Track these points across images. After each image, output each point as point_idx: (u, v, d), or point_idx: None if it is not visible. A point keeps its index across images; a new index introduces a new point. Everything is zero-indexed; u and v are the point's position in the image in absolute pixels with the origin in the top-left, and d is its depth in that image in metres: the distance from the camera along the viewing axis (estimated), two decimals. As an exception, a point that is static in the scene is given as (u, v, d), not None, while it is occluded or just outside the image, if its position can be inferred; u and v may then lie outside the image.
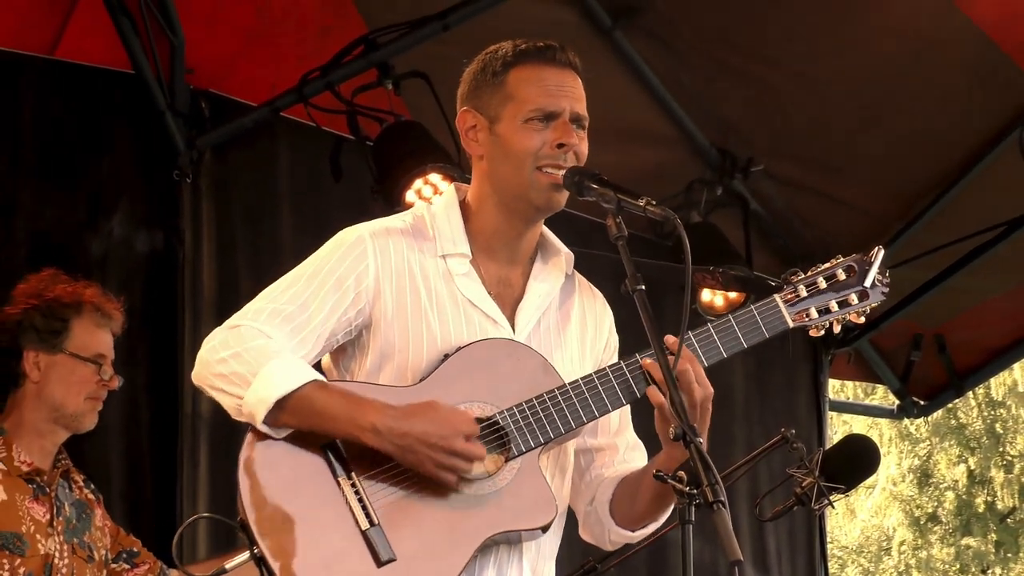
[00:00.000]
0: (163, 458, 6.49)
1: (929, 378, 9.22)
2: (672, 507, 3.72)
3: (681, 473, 3.31)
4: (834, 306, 3.84)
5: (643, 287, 3.47)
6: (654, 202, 3.53)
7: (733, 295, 7.83)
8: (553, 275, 3.79)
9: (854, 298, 3.85)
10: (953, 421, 24.28)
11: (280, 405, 3.47)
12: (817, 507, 5.02)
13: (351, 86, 6.73)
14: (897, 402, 9.50)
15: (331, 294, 3.59)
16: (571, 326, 3.81)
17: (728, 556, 3.12)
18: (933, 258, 8.15)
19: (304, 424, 3.50)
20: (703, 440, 3.42)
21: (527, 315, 3.73)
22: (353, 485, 3.51)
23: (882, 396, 19.44)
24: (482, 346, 3.63)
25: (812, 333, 3.85)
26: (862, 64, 7.36)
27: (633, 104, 7.71)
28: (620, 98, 7.60)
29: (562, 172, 3.63)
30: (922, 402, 9.42)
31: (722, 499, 3.20)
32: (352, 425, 3.47)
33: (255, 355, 3.49)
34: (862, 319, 3.89)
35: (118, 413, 6.43)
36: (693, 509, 3.26)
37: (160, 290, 6.61)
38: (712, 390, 3.60)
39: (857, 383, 19.07)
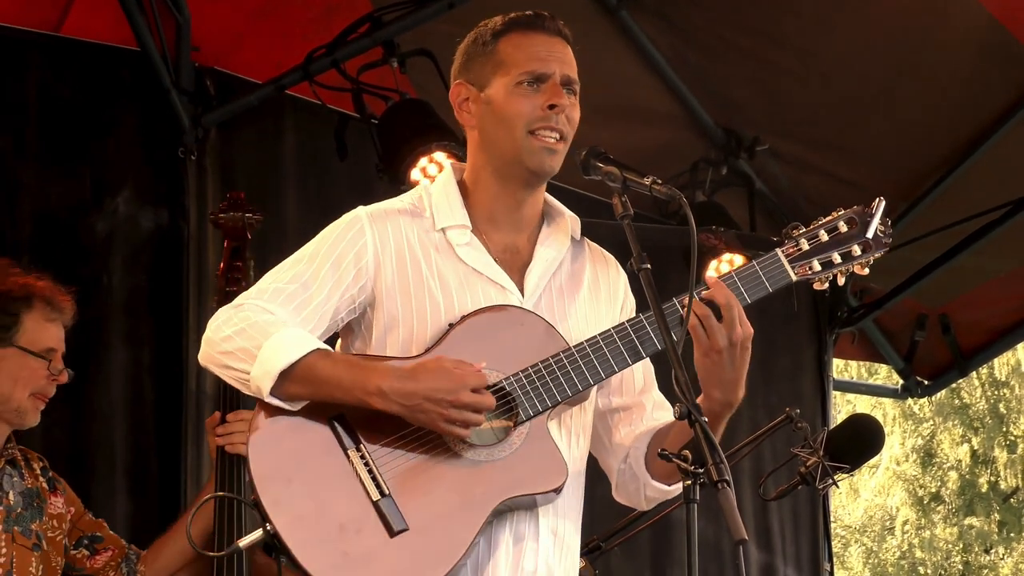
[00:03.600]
0: (168, 436, 6.50)
1: (933, 358, 9.23)
2: None
3: (686, 452, 3.32)
4: (837, 258, 3.80)
5: (649, 266, 3.49)
6: (660, 181, 3.55)
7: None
8: (559, 239, 3.81)
9: (857, 250, 3.81)
10: (957, 401, 24.27)
11: (285, 375, 3.48)
12: (821, 486, 5.04)
13: (356, 64, 6.72)
14: (901, 382, 9.50)
15: (331, 272, 3.61)
16: (583, 289, 3.83)
17: (733, 535, 3.14)
18: (938, 238, 8.16)
19: (311, 393, 3.52)
20: (741, 388, 3.58)
21: (535, 279, 3.75)
22: (362, 456, 3.51)
23: (886, 376, 19.44)
24: (486, 313, 3.64)
25: (816, 286, 3.83)
26: (867, 44, 7.35)
27: (638, 83, 7.71)
28: (625, 77, 7.60)
29: (555, 135, 3.66)
30: (926, 382, 9.44)
31: (727, 478, 3.21)
32: (359, 390, 3.48)
33: (259, 330, 3.52)
34: (866, 270, 3.86)
35: (123, 391, 6.45)
36: (698, 488, 3.27)
37: (165, 268, 6.62)
38: (752, 330, 3.59)
39: (860, 362, 19.08)
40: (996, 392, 24.29)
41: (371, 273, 3.64)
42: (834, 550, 9.14)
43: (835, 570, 8.87)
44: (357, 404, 3.50)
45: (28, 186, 6.38)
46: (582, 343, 3.65)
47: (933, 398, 21.54)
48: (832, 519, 9.76)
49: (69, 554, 4.84)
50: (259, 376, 3.49)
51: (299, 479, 3.50)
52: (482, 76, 3.72)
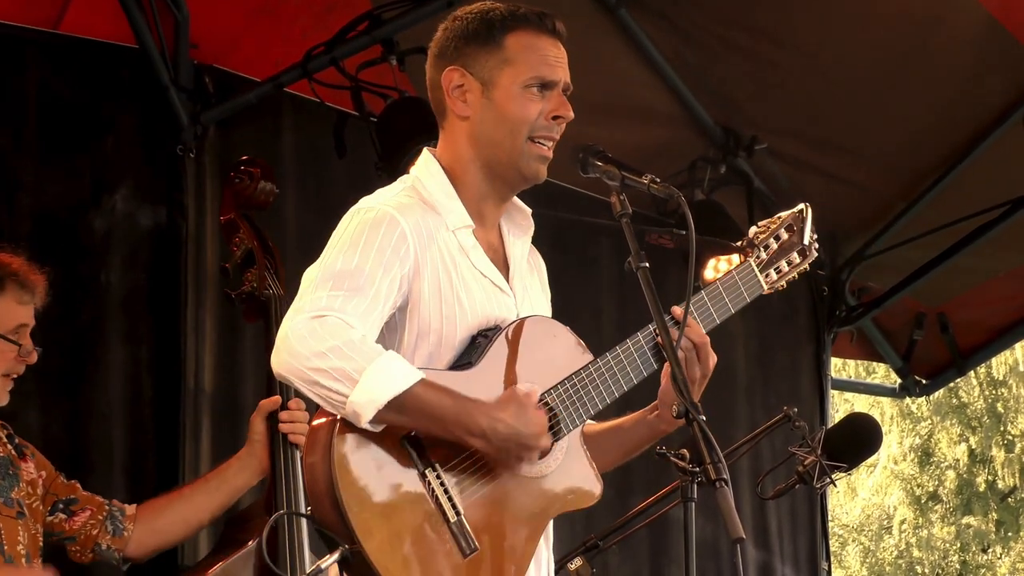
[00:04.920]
0: (166, 433, 6.49)
1: (931, 357, 9.23)
2: (630, 458, 3.84)
3: (684, 451, 3.32)
4: (784, 266, 3.95)
5: (647, 264, 3.50)
6: (658, 179, 3.55)
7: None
8: (523, 237, 3.83)
9: (796, 257, 3.96)
10: (954, 400, 24.29)
11: (389, 405, 3.39)
12: (819, 485, 5.04)
13: (355, 62, 6.72)
14: (899, 381, 9.50)
15: (383, 280, 3.51)
16: (538, 284, 3.87)
17: (730, 534, 3.14)
18: (936, 237, 8.16)
19: (407, 423, 3.45)
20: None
21: (520, 279, 3.77)
22: (438, 477, 3.49)
23: (884, 375, 19.45)
24: (524, 324, 3.65)
25: (765, 291, 3.92)
26: (866, 43, 7.35)
27: (637, 82, 7.70)
28: (625, 76, 7.60)
29: (550, 142, 3.67)
30: (924, 381, 9.44)
31: (725, 477, 3.21)
32: (461, 428, 3.45)
33: (356, 351, 3.39)
34: (795, 275, 3.99)
35: (121, 390, 6.44)
36: (696, 487, 3.28)
37: (163, 266, 6.60)
38: (716, 358, 3.69)
39: (858, 361, 19.09)
40: (994, 391, 24.32)
41: (411, 278, 3.57)
42: (832, 549, 9.15)
43: (832, 569, 8.87)
44: (452, 440, 3.47)
45: (26, 184, 6.36)
46: (604, 355, 3.67)
47: (931, 397, 21.53)
48: (830, 518, 9.76)
49: (46, 520, 4.77)
50: (362, 402, 3.38)
51: (386, 502, 3.46)
52: (485, 68, 3.68)
